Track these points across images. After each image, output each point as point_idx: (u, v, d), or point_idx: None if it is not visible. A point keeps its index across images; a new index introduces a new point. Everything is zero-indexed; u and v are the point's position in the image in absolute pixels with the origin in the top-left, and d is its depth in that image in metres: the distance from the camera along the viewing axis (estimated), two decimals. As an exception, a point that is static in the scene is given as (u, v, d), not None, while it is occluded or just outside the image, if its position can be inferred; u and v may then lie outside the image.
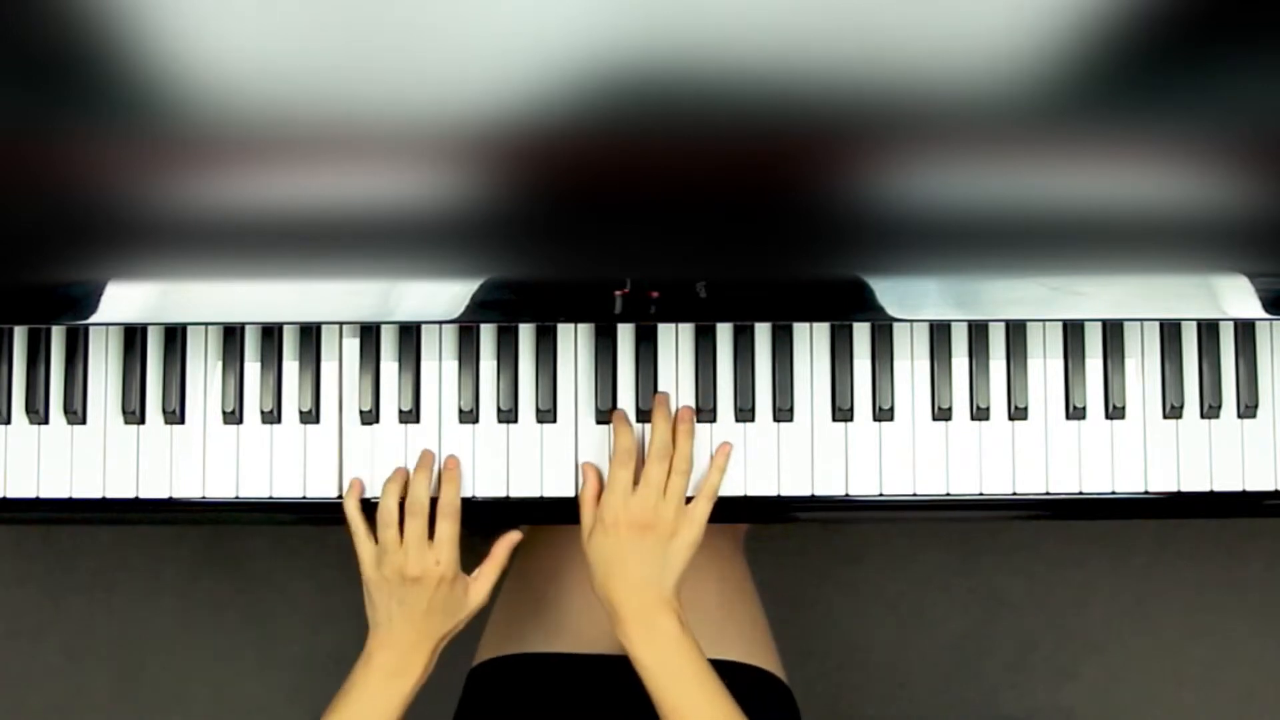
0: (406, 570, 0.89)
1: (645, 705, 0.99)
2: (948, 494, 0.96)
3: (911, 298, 0.87)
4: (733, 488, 0.95)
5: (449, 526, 0.91)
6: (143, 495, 0.96)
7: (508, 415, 0.96)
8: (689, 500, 0.92)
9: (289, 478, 0.96)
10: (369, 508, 0.93)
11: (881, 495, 0.96)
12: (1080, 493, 0.96)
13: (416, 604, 0.90)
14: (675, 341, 0.96)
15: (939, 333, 0.96)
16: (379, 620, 0.91)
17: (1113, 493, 0.96)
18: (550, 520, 0.97)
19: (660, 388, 0.96)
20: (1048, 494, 0.96)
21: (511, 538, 0.95)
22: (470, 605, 0.93)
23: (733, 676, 1.02)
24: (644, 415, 0.95)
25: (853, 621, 1.62)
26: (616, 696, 1.00)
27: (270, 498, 0.96)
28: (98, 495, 0.96)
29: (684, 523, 0.90)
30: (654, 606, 0.88)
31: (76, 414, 0.95)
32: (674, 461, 0.92)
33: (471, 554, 0.94)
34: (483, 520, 0.95)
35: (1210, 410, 0.96)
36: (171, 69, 0.83)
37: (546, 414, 0.95)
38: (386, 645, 0.90)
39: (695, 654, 0.88)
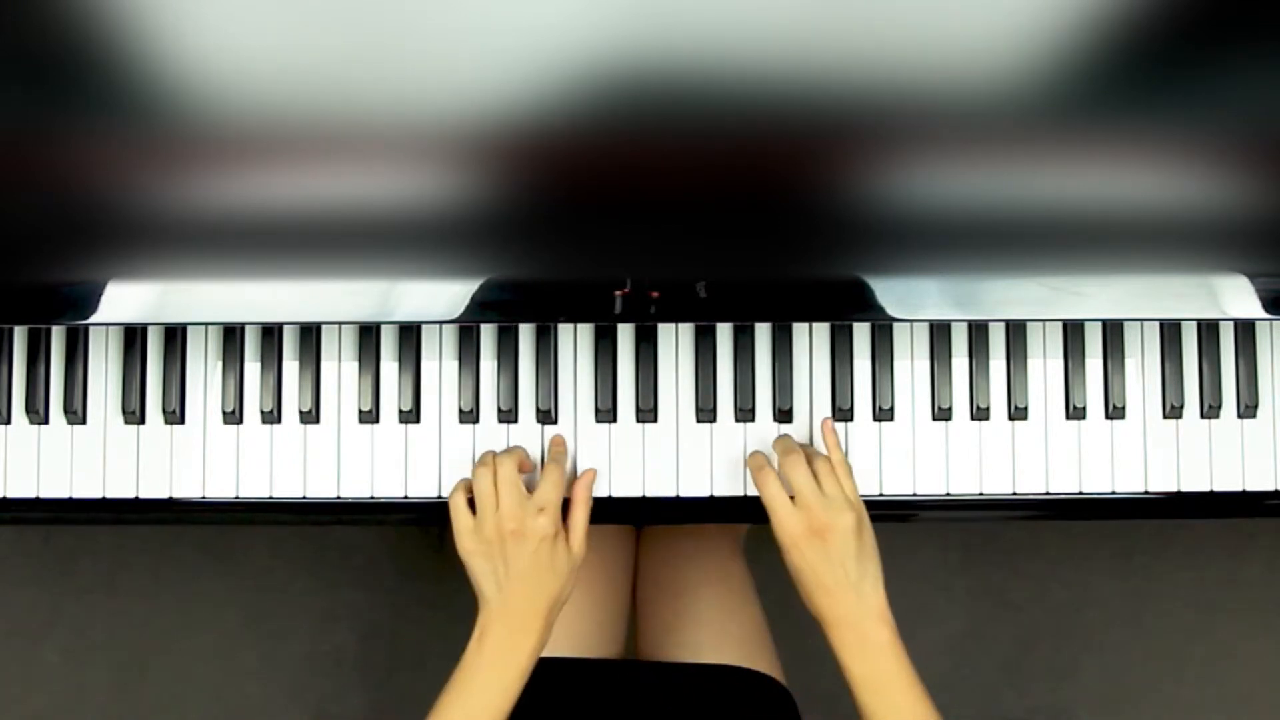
0: (505, 524, 0.86)
1: (648, 709, 0.99)
2: (948, 494, 0.96)
3: (911, 298, 0.87)
4: (732, 488, 0.96)
5: (555, 473, 0.89)
6: (143, 495, 0.96)
7: (508, 415, 0.96)
8: None
9: (289, 478, 0.96)
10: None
11: (881, 495, 0.96)
12: (1080, 493, 0.96)
13: (522, 562, 0.86)
14: (675, 341, 0.96)
15: (939, 333, 0.96)
16: (487, 593, 0.87)
17: (1113, 493, 0.96)
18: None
19: (660, 388, 0.96)
20: (1048, 494, 0.96)
21: (589, 475, 0.93)
22: (575, 557, 0.89)
23: (732, 680, 1.02)
24: (644, 415, 0.95)
25: (853, 621, 1.62)
26: (620, 701, 1.00)
27: (270, 498, 0.96)
28: (98, 495, 0.96)
29: (835, 512, 0.87)
30: (862, 615, 0.85)
31: (76, 414, 0.95)
32: (813, 461, 0.89)
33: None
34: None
35: (1210, 410, 0.96)
36: (172, 68, 0.83)
37: (546, 414, 0.95)
38: (499, 617, 0.86)
39: (905, 664, 0.86)
